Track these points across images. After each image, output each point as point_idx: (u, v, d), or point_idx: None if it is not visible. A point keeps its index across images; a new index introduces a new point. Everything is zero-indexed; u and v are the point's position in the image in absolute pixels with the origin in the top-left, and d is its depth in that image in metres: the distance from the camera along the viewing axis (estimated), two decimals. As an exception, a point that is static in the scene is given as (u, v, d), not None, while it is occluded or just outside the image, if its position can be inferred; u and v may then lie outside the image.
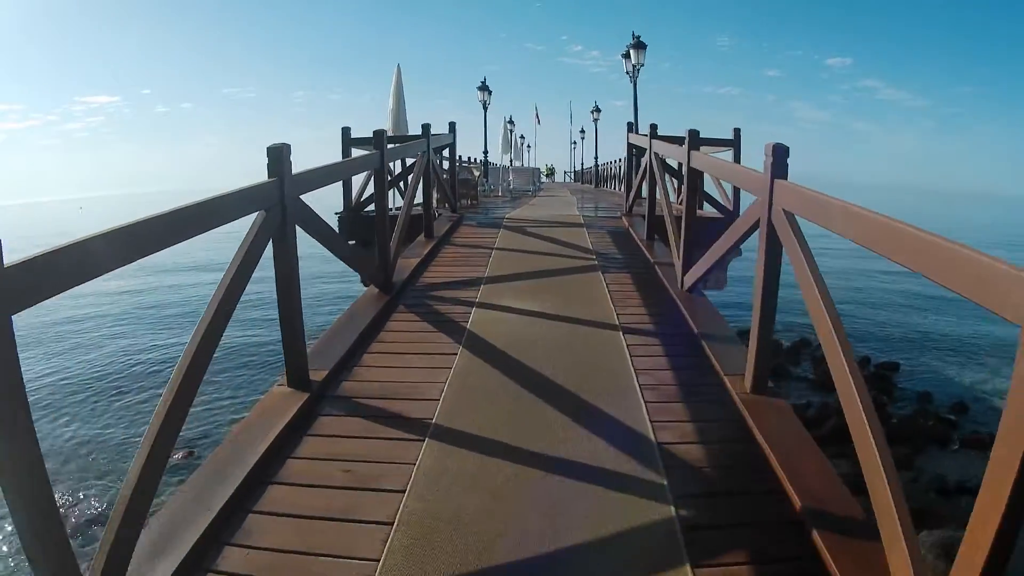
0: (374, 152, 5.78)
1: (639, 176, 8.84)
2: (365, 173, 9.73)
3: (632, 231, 8.26)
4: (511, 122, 41.70)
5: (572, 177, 63.91)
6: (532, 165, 62.81)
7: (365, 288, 5.95)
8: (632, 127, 9.65)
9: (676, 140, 7.92)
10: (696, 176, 5.51)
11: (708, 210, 10.87)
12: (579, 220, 9.33)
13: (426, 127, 8.02)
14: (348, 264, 5.28)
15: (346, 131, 10.05)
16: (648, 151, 7.62)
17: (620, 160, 25.64)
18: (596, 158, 34.18)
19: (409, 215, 6.87)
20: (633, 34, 16.63)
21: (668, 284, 5.84)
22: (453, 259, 7.14)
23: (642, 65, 16.71)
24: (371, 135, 10.83)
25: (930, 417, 9.05)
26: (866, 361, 11.76)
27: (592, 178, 36.91)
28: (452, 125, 9.63)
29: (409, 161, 8.19)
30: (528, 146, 63.10)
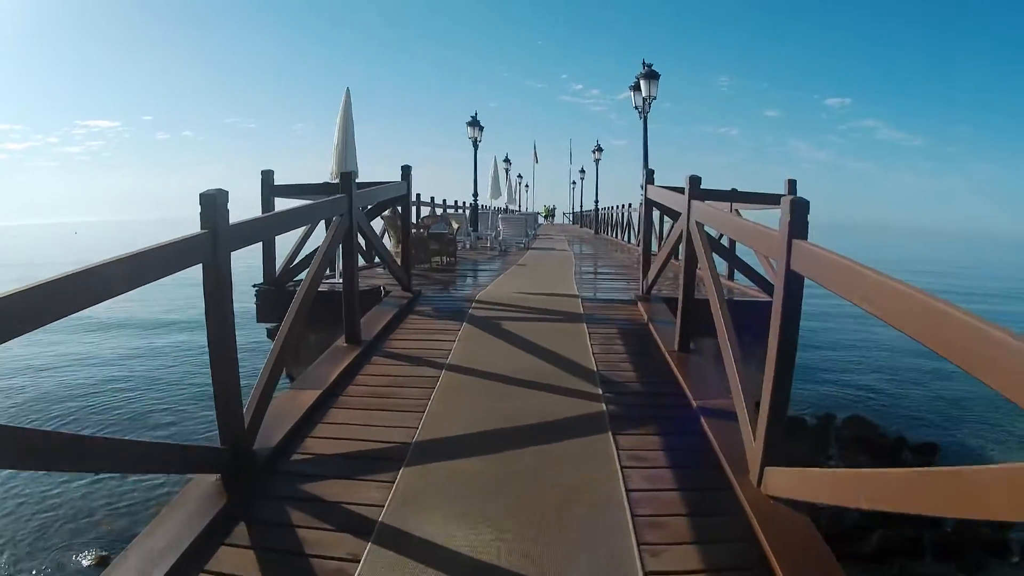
0: (200, 233, 3.12)
1: (665, 250, 6.24)
2: (303, 227, 7.42)
3: (655, 332, 5.62)
4: (507, 161, 39.50)
5: (571, 219, 61.91)
6: (530, 208, 60.92)
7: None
8: (650, 176, 7.07)
9: (726, 197, 5.39)
10: (799, 285, 2.88)
11: (739, 280, 8.33)
12: (577, 306, 6.67)
13: (346, 177, 5.38)
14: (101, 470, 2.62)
15: (267, 176, 7.55)
16: (686, 218, 5.03)
17: (625, 207, 23.35)
18: (596, 202, 31.84)
19: (306, 312, 4.28)
20: (644, 62, 14.24)
21: (731, 473, 3.18)
22: (373, 394, 4.44)
23: (654, 98, 14.30)
24: (322, 182, 8.51)
25: (983, 521, 6.78)
26: (901, 443, 9.60)
27: (592, 222, 34.60)
28: (406, 170, 7.03)
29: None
30: (526, 186, 61.14)
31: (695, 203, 4.86)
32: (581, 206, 49.49)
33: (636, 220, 20.64)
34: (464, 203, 24.39)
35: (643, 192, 7.19)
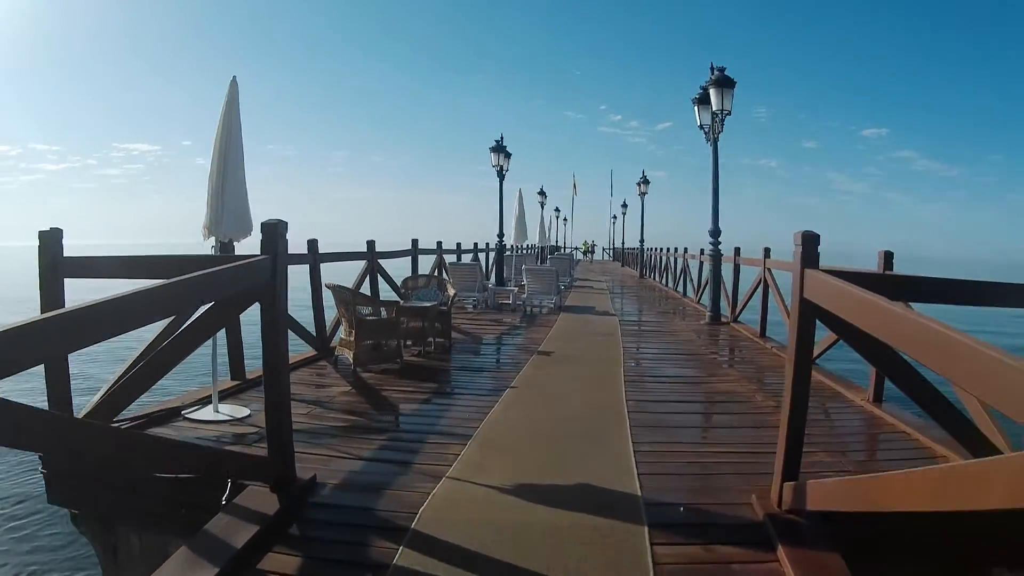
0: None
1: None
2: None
3: None
4: (542, 193, 35.88)
5: (611, 255, 57.96)
6: (569, 242, 57.14)
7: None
8: (809, 249, 3.17)
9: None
10: None
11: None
12: (640, 558, 2.87)
13: None
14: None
15: (50, 240, 3.98)
16: None
17: (677, 252, 19.41)
18: (642, 241, 27.88)
19: None
20: (713, 67, 10.45)
21: None
22: None
23: (728, 113, 10.46)
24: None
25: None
26: None
27: (636, 262, 30.73)
28: (272, 234, 3.25)
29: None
30: (564, 219, 57.42)
31: None
32: (623, 242, 45.56)
33: (693, 269, 16.92)
34: (487, 245, 20.78)
35: (789, 279, 3.21)
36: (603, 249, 62.27)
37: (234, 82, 4.90)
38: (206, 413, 4.98)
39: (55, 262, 4.07)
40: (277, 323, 3.22)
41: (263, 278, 3.15)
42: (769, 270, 9.75)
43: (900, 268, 6.17)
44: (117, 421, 4.59)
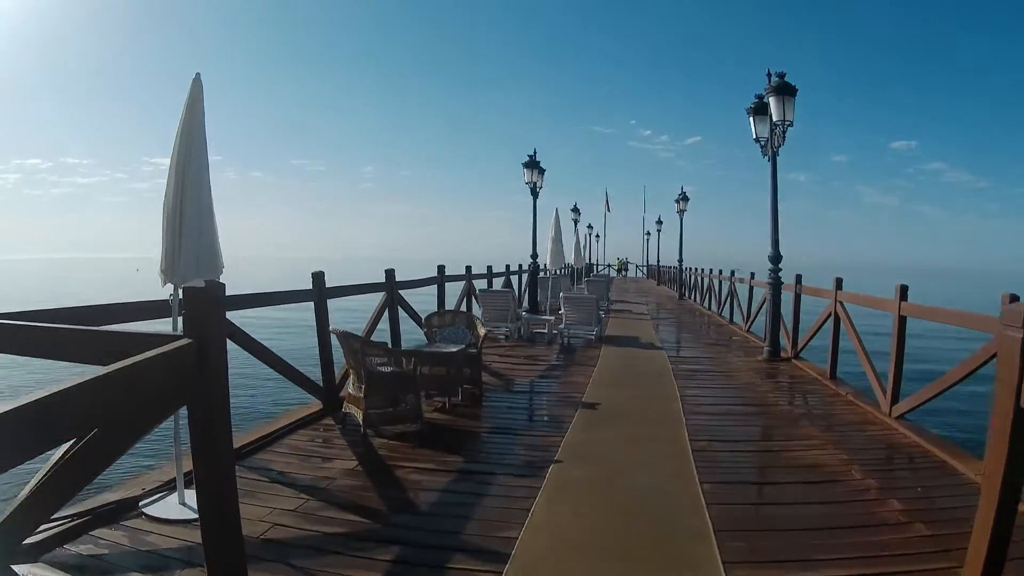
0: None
1: None
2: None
3: None
4: (575, 210, 34.76)
5: (645, 272, 56.45)
6: (601, 260, 55.88)
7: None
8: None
9: None
10: None
11: None
12: None
13: None
14: None
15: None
16: None
17: (721, 274, 18.09)
18: (680, 260, 26.55)
19: None
20: (770, 73, 9.28)
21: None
22: None
23: (790, 124, 9.27)
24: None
25: None
26: None
27: (674, 281, 29.44)
28: (199, 301, 2.15)
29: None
30: (597, 236, 56.11)
31: None
32: (658, 260, 44.20)
33: (742, 294, 15.67)
34: (520, 267, 19.73)
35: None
36: (636, 267, 60.88)
37: (197, 80, 3.91)
38: (170, 507, 3.96)
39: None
40: (214, 438, 2.16)
41: (181, 374, 2.09)
42: (841, 303, 8.55)
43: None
44: (56, 519, 3.60)
